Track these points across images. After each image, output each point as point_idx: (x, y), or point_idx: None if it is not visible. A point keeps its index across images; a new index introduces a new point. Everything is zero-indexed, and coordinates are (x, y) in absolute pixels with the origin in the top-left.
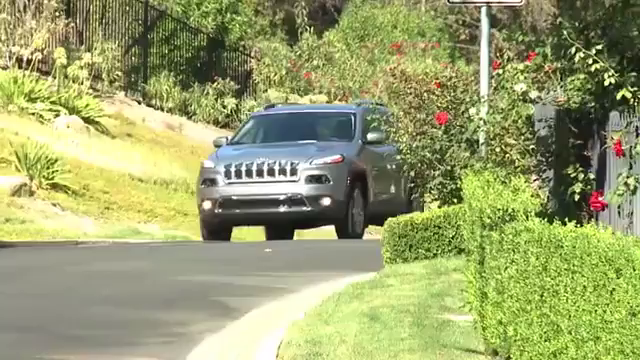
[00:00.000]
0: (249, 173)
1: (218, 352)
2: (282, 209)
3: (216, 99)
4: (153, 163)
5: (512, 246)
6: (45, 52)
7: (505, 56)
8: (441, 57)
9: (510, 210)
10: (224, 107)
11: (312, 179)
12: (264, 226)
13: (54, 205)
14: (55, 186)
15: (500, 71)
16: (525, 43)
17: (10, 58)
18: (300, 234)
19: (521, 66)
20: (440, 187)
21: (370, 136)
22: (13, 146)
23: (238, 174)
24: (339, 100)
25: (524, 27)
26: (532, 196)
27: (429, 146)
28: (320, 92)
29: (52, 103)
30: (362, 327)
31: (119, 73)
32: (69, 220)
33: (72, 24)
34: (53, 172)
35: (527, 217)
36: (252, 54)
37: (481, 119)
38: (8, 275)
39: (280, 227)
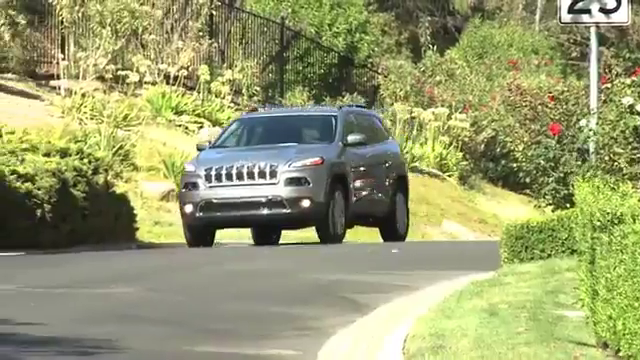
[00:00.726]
0: (229, 176)
1: (349, 344)
2: (263, 211)
3: None
4: None
5: (620, 247)
6: (190, 69)
7: (613, 72)
8: (554, 73)
9: (618, 214)
10: None
11: (291, 181)
12: (250, 228)
13: None
14: None
15: (608, 85)
16: (631, 60)
17: (159, 75)
18: (286, 236)
19: (628, 81)
20: (554, 192)
21: (351, 138)
22: (161, 155)
23: (218, 177)
24: (459, 112)
25: (630, 45)
26: (639, 201)
27: (543, 154)
28: (442, 105)
29: (196, 116)
30: (482, 322)
31: (257, 88)
32: None
33: (215, 44)
34: None
35: (634, 220)
36: (379, 71)
37: (591, 130)
38: (156, 273)
39: (264, 229)
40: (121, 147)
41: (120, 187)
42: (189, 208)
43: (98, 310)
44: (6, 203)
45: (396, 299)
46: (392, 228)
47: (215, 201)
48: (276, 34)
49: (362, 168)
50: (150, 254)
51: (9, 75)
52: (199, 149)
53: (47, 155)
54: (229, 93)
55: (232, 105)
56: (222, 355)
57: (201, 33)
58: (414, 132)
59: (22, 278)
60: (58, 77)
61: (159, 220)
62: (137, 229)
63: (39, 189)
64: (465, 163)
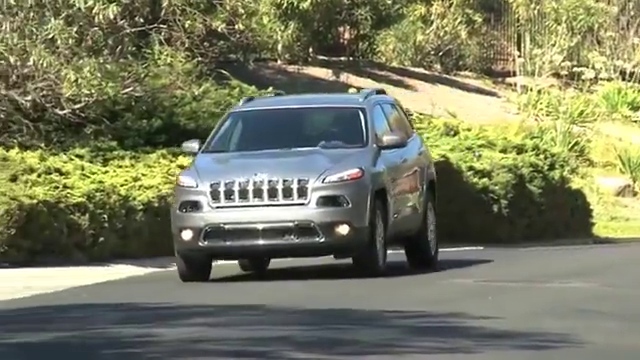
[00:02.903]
0: (244, 194)
1: None
2: (287, 240)
3: None
4: None
5: None
6: None
7: None
8: None
9: None
10: None
11: (326, 201)
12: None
13: None
14: None
15: None
16: None
17: (614, 71)
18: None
19: None
20: None
21: (387, 139)
22: (617, 150)
23: (229, 195)
24: None
25: None
26: None
27: None
28: None
29: None
30: None
31: None
32: None
33: None
34: None
35: None
36: None
37: None
38: (612, 268)
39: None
40: (577, 143)
41: (576, 183)
42: (188, 235)
43: (554, 305)
44: (464, 198)
45: None
46: (424, 248)
47: (226, 227)
48: None
49: (397, 177)
50: (606, 249)
51: (466, 73)
52: (188, 153)
53: (503, 151)
54: None
55: None
56: None
57: None
58: None
59: (480, 272)
60: (514, 74)
61: (615, 215)
62: (593, 224)
63: (496, 185)
64: None
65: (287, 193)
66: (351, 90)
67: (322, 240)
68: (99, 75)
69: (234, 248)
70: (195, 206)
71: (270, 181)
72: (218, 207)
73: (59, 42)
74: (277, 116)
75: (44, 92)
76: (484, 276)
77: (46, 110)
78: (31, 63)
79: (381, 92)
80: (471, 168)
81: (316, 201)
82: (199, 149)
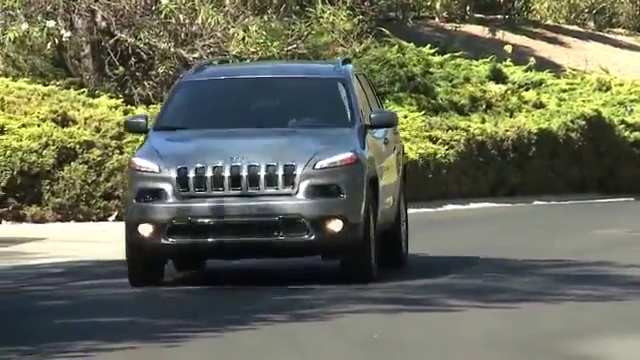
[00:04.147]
0: (218, 181)
1: None
2: (270, 237)
3: None
4: None
5: None
6: None
7: None
8: None
9: None
10: None
11: (317, 191)
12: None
13: None
14: None
15: None
16: None
17: None
18: None
19: None
20: None
21: (376, 116)
22: None
23: (200, 182)
24: None
25: None
26: None
27: None
28: None
29: None
30: None
31: None
32: None
33: None
34: None
35: None
36: None
37: None
38: None
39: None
40: None
41: None
42: (147, 230)
43: None
44: (615, 151)
45: None
46: (397, 244)
47: (198, 221)
48: None
49: (382, 161)
50: None
51: (619, 30)
52: (133, 130)
53: None
54: None
55: None
56: None
57: None
58: None
59: (628, 223)
60: None
61: None
62: None
63: None
64: None
65: (271, 181)
66: (506, 47)
67: (311, 238)
68: (264, 33)
69: (206, 246)
70: (157, 195)
71: (251, 166)
72: (186, 197)
73: (227, 1)
74: (239, 87)
75: (211, 49)
76: (633, 227)
77: None
78: (199, 21)
79: (347, 61)
80: (623, 122)
81: (305, 190)
82: (147, 125)
